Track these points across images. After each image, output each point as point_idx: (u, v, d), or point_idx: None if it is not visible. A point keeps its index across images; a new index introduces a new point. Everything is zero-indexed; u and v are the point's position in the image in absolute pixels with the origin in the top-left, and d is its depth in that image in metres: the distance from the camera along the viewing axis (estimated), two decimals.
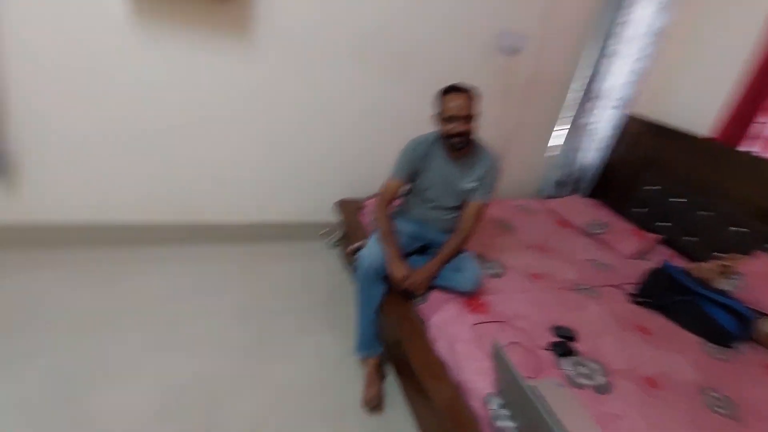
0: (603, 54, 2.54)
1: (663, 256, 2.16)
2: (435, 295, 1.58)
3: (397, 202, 1.79)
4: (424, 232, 1.74)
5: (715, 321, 1.62)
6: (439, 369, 1.36)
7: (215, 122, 2.08)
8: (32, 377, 1.46)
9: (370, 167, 2.40)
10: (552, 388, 1.21)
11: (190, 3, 1.81)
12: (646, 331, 1.59)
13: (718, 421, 1.27)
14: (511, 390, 1.07)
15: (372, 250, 1.60)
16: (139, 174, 2.07)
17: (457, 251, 1.65)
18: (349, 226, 2.23)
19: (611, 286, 1.85)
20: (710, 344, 1.59)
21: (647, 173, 2.51)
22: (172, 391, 1.51)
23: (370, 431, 1.49)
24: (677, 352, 1.50)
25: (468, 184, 1.67)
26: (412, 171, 1.68)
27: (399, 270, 1.56)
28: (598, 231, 2.33)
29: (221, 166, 2.19)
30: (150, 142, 2.02)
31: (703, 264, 1.90)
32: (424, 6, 2.17)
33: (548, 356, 1.36)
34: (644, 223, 2.42)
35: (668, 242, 2.31)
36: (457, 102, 1.53)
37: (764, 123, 2.15)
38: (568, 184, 2.85)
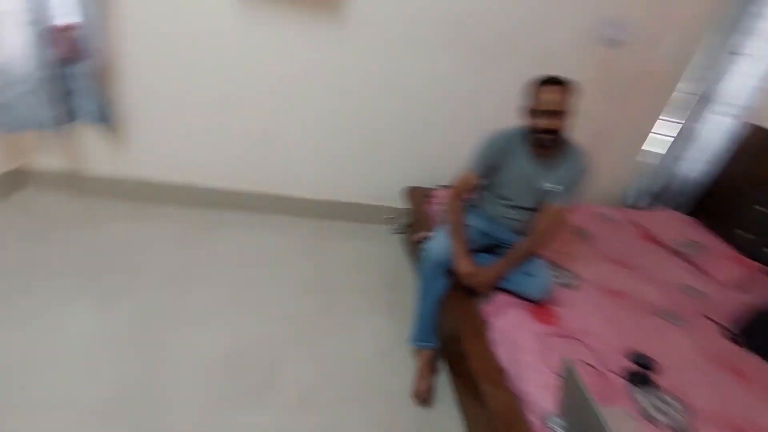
0: (725, 51, 2.22)
1: (766, 289, 1.89)
2: (501, 297, 1.50)
3: (469, 196, 1.71)
4: (496, 230, 1.66)
5: None
6: (497, 374, 1.30)
7: (300, 98, 2.13)
8: (122, 314, 1.64)
9: (442, 156, 2.33)
10: (623, 419, 1.10)
11: None
12: (742, 374, 1.40)
13: None
14: (580, 414, 0.99)
15: (439, 243, 1.56)
16: (228, 143, 2.20)
17: (530, 255, 1.55)
18: (415, 214, 2.19)
19: (703, 316, 1.65)
20: None
21: (762, 192, 2.18)
22: (236, 347, 1.61)
23: (416, 423, 1.48)
24: None
25: (549, 184, 1.55)
26: (490, 165, 1.59)
27: (465, 266, 1.50)
28: (691, 252, 2.08)
29: (301, 142, 2.25)
30: (240, 113, 2.13)
31: None
32: None
33: (621, 383, 1.24)
34: (748, 249, 2.12)
35: None
36: (553, 96, 1.41)
37: None
38: (661, 195, 2.57)
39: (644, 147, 2.60)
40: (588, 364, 1.27)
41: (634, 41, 2.17)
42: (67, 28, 1.77)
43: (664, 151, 2.55)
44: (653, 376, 1.27)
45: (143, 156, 2.18)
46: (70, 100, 1.89)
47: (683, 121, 2.44)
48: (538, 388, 1.19)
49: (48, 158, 2.13)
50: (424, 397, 1.52)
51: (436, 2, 1.99)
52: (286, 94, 2.11)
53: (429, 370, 1.60)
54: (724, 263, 2.01)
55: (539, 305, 1.48)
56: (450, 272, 1.54)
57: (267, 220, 2.36)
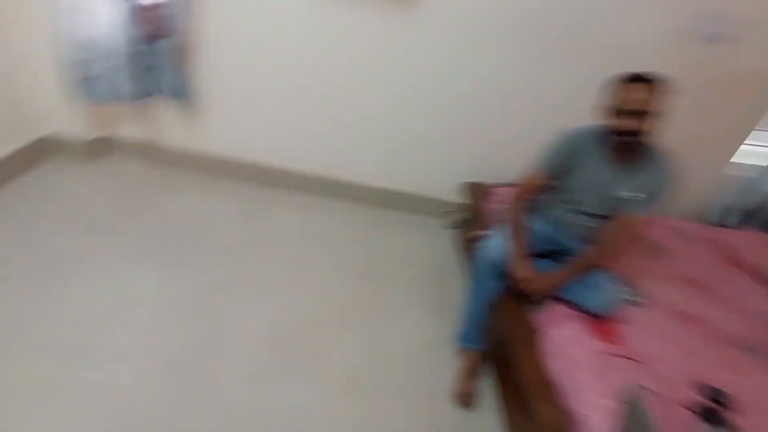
0: None
1: None
2: (557, 308, 1.42)
3: (534, 197, 1.62)
4: (560, 236, 1.56)
5: None
6: (547, 388, 1.23)
7: (365, 84, 2.12)
8: (184, 281, 1.75)
9: (506, 153, 2.23)
10: None
11: None
12: None
13: None
14: None
15: (496, 243, 1.49)
16: (293, 125, 2.24)
17: (594, 266, 1.45)
18: (472, 210, 2.13)
19: None
20: None
21: None
22: (285, 323, 1.66)
23: (455, 424, 1.45)
24: None
25: (626, 192, 1.42)
26: (561, 166, 1.49)
27: (522, 270, 1.43)
28: None
29: (362, 127, 2.25)
30: (306, 96, 2.16)
31: None
32: None
33: (689, 417, 1.13)
34: None
35: None
36: (639, 94, 1.29)
37: None
38: (754, 215, 2.30)
39: (736, 159, 2.33)
40: (651, 390, 1.17)
41: (738, 38, 1.92)
42: (154, 7, 1.87)
43: (759, 165, 2.27)
44: (729, 415, 1.14)
45: (214, 132, 2.28)
46: (152, 75, 2.01)
47: None
48: (593, 409, 1.11)
49: (130, 129, 2.29)
50: (466, 400, 1.48)
51: None
52: (352, 79, 2.11)
53: (473, 372, 1.55)
54: None
55: (600, 321, 1.38)
56: (505, 274, 1.47)
57: (323, 203, 2.40)
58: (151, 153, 2.34)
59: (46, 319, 1.49)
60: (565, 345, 1.28)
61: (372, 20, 1.94)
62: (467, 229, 2.13)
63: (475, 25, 1.95)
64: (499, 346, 1.50)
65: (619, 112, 1.32)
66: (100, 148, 2.31)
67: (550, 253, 1.58)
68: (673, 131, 2.16)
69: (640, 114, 1.29)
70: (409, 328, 1.76)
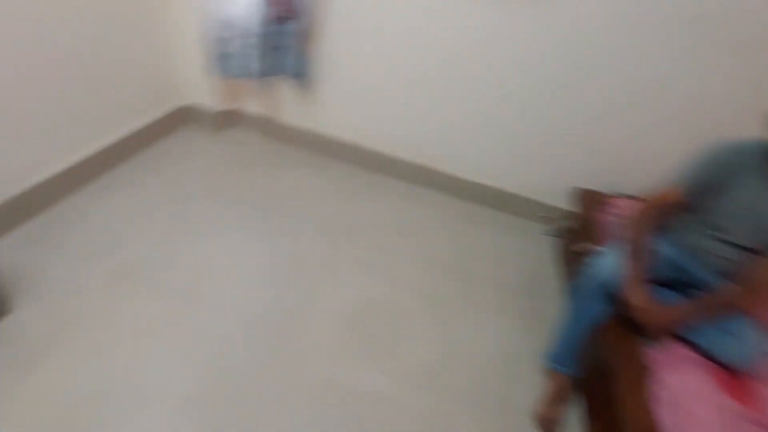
0: None
1: None
2: (678, 348, 1.21)
3: (666, 215, 1.39)
4: (692, 265, 1.32)
5: None
6: None
7: (478, 74, 2.01)
8: (281, 250, 1.87)
9: (633, 160, 1.97)
10: None
11: None
12: None
13: None
14: None
15: (609, 261, 1.32)
16: (402, 112, 2.24)
17: (734, 308, 1.20)
18: (582, 220, 1.92)
19: None
20: None
21: None
22: (368, 306, 1.69)
23: None
24: None
25: None
26: (708, 184, 1.25)
27: (639, 297, 1.24)
28: None
29: (471, 120, 2.15)
30: (418, 84, 2.12)
31: None
32: None
33: None
34: None
35: None
36: None
37: None
38: None
39: None
40: None
41: None
42: None
43: None
44: None
45: (327, 113, 2.37)
46: (278, 55, 2.14)
47: None
48: None
49: (254, 104, 2.49)
50: (548, 426, 1.36)
51: None
52: (468, 71, 2.01)
53: (560, 397, 1.42)
54: None
55: (732, 374, 1.15)
56: (615, 298, 1.30)
57: (423, 193, 2.37)
58: (269, 128, 2.52)
59: (169, 265, 1.71)
60: (684, 395, 1.10)
61: (497, 11, 1.82)
62: (573, 240, 1.94)
63: (620, 19, 1.71)
64: (597, 377, 1.34)
65: None
66: (227, 119, 2.55)
67: (674, 283, 1.36)
68: None
69: None
70: (492, 333, 1.68)
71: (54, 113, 1.79)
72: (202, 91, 2.42)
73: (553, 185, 2.18)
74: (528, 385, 1.50)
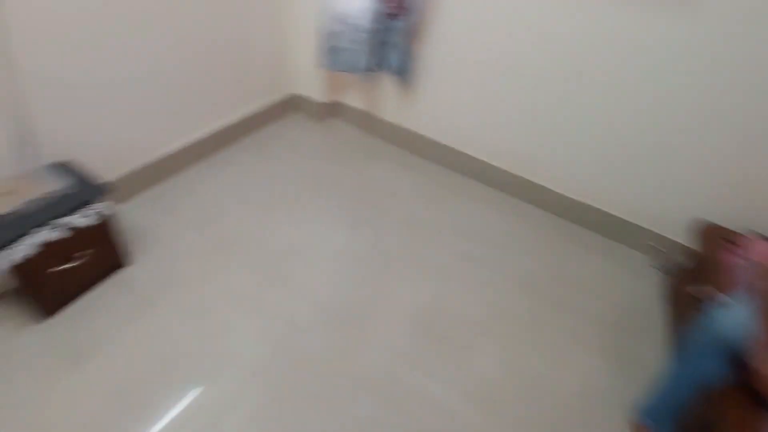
0: None
1: None
2: None
3: None
4: None
5: None
6: None
7: (598, 87, 1.82)
8: (363, 241, 1.92)
9: None
10: None
11: None
12: None
13: None
14: None
15: (734, 315, 1.12)
16: (502, 118, 2.13)
17: None
18: (701, 258, 1.66)
19: None
20: None
21: None
22: (435, 311, 1.66)
23: None
24: None
25: None
26: None
27: None
28: None
29: (579, 132, 1.97)
30: (524, 91, 2.00)
31: None
32: None
33: None
34: None
35: None
36: None
37: None
38: None
39: None
40: None
41: None
42: None
43: None
44: None
45: (425, 112, 2.35)
46: (384, 51, 2.16)
47: None
48: None
49: (355, 97, 2.56)
50: None
51: None
52: (583, 80, 1.83)
53: None
54: None
55: None
56: (736, 360, 1.10)
57: (512, 202, 2.25)
58: (368, 122, 2.57)
59: (260, 242, 1.84)
60: None
61: (631, 12, 1.62)
62: (688, 280, 1.68)
63: None
64: None
65: None
66: (330, 110, 2.65)
67: None
68: None
69: None
70: (571, 366, 1.53)
71: (182, 95, 2.01)
72: (310, 81, 2.54)
73: (671, 214, 1.91)
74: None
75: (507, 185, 2.28)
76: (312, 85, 2.56)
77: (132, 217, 1.84)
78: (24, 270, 1.30)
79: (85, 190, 1.45)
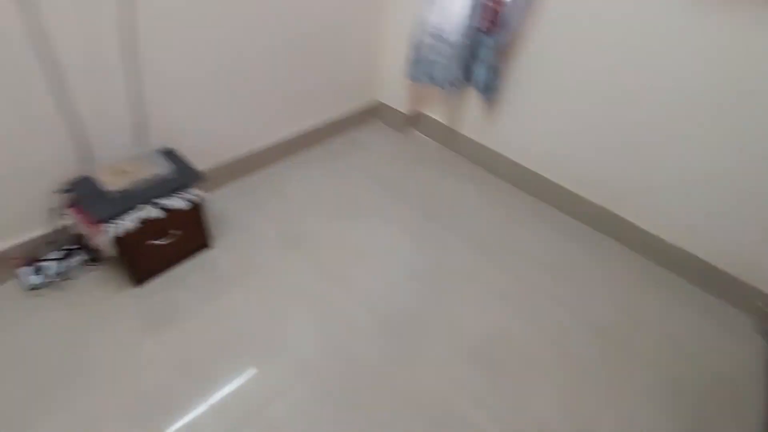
0: None
1: None
2: None
3: None
4: None
5: None
6: None
7: (712, 117, 1.62)
8: (430, 257, 1.89)
9: None
10: None
11: None
12: None
13: None
14: None
15: None
16: (587, 146, 2.00)
17: None
18: None
19: None
20: None
21: None
22: (496, 341, 1.59)
23: None
24: None
25: None
26: None
27: None
28: None
29: (682, 169, 1.77)
30: (618, 119, 1.85)
31: None
32: None
33: None
34: None
35: None
36: None
37: None
38: None
39: None
40: None
41: None
42: (496, 4, 1.93)
43: None
44: None
45: (507, 133, 2.27)
46: (471, 66, 2.13)
47: None
48: None
49: (437, 110, 2.55)
50: None
51: None
52: (689, 105, 1.65)
53: None
54: None
55: None
56: None
57: (592, 236, 2.10)
58: (447, 136, 2.55)
59: (330, 243, 1.89)
60: None
61: (758, 50, 1.42)
62: None
63: None
64: None
65: None
66: (412, 121, 2.67)
67: None
68: None
69: None
70: (635, 426, 1.38)
71: (277, 95, 2.14)
72: (395, 90, 2.58)
73: None
74: None
75: (591, 217, 2.12)
76: (396, 95, 2.60)
77: (218, 205, 2.01)
78: (125, 241, 1.47)
79: (184, 176, 1.60)
